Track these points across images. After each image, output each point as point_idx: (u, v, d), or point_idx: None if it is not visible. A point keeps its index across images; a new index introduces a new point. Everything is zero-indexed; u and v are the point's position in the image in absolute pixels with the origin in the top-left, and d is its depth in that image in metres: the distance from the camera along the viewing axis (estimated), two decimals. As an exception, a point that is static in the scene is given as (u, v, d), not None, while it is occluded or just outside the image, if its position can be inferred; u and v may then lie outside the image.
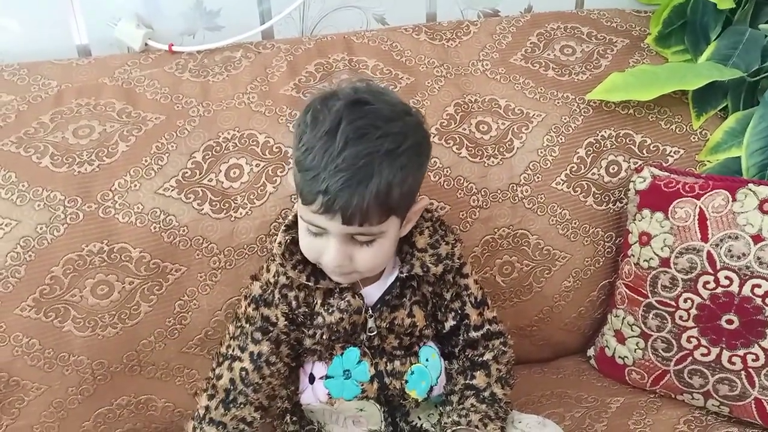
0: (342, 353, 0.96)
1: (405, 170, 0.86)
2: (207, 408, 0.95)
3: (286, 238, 0.96)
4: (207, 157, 1.10)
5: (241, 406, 0.94)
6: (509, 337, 1.04)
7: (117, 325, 1.04)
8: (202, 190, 1.08)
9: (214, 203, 1.08)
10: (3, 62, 1.17)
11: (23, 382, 1.02)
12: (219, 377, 0.95)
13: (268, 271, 0.98)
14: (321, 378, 0.97)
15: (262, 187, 1.10)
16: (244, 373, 0.94)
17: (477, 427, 0.93)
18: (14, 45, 1.19)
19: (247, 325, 0.96)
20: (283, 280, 0.96)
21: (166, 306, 1.06)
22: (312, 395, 0.97)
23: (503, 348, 1.02)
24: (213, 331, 1.08)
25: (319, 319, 0.94)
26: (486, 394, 0.97)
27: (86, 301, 1.02)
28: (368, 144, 0.84)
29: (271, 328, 0.95)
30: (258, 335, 0.95)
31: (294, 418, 0.99)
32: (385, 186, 0.84)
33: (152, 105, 1.12)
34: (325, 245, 0.89)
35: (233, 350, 0.96)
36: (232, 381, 0.94)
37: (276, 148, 1.12)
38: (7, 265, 0.99)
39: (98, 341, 1.04)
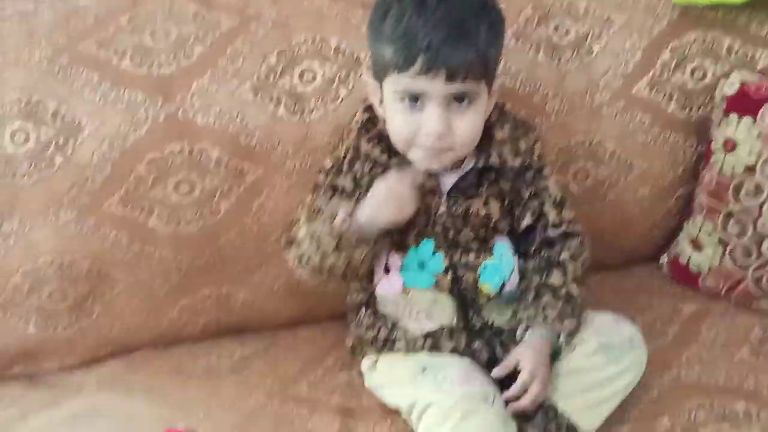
0: (417, 245, 0.97)
1: (496, 27, 0.92)
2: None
3: (365, 115, 0.99)
4: (280, 60, 1.09)
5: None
6: (586, 237, 1.04)
7: (199, 222, 1.07)
8: (276, 92, 1.09)
9: (288, 106, 1.09)
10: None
11: (113, 273, 1.07)
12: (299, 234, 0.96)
13: (341, 146, 1.00)
14: (396, 269, 0.98)
15: (335, 90, 1.10)
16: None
17: (553, 322, 0.94)
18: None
19: (320, 191, 0.98)
20: (353, 153, 0.97)
21: (244, 206, 1.09)
22: (387, 285, 0.99)
23: (580, 248, 1.02)
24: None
25: None
26: (562, 292, 0.97)
27: (169, 198, 1.06)
28: (460, 0, 0.88)
29: (340, 197, 0.96)
30: (330, 196, 0.96)
31: (368, 312, 1.01)
32: (483, 38, 0.88)
33: (226, 8, 1.11)
34: (423, 117, 0.90)
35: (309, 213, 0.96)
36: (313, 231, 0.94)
37: (348, 51, 1.11)
38: (93, 163, 1.03)
39: (182, 237, 1.07)
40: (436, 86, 0.88)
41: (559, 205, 1.02)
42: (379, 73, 0.93)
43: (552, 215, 1.02)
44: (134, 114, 1.04)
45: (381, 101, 0.95)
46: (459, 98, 0.90)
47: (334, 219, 0.91)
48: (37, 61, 1.05)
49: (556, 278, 0.99)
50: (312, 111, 1.09)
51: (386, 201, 0.90)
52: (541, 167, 1.02)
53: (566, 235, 1.02)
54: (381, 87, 0.94)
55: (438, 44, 0.85)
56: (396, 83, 0.90)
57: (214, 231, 1.08)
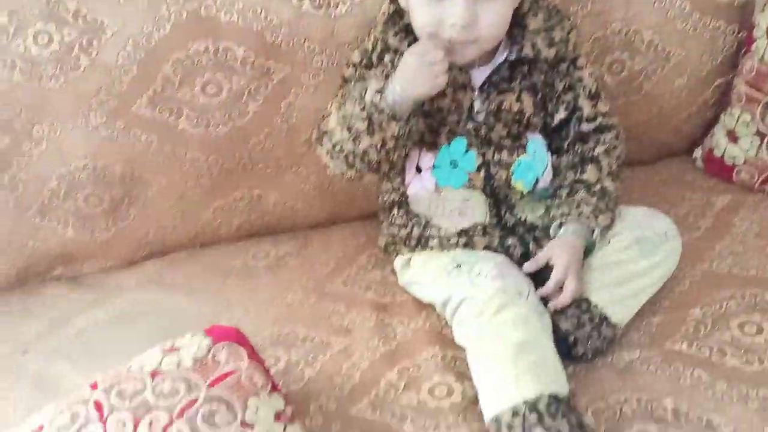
0: (449, 143, 0.96)
1: None
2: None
3: (391, 8, 0.96)
4: (305, -49, 1.05)
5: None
6: (621, 130, 1.02)
7: (228, 124, 1.06)
8: (302, -15, 1.05)
9: (313, 0, 1.04)
10: None
11: (146, 176, 1.08)
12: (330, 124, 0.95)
13: (367, 40, 0.98)
14: (428, 168, 0.98)
15: (362, -16, 1.06)
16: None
17: (588, 218, 0.94)
18: None
19: (350, 83, 0.96)
20: (381, 45, 0.96)
21: (272, 106, 1.07)
22: (419, 185, 0.99)
23: (615, 142, 1.00)
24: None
25: None
26: (597, 187, 0.97)
27: (197, 99, 1.04)
28: None
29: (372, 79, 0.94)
30: (360, 85, 0.94)
31: (401, 212, 1.02)
32: None
33: None
34: (449, 7, 0.88)
35: (339, 105, 0.95)
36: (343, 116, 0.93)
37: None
38: (119, 64, 1.01)
39: (211, 139, 1.07)
40: None
41: (594, 98, 1.00)
42: None
43: (587, 108, 1.00)
44: (156, 12, 1.01)
45: None
46: None
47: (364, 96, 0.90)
48: (54, -38, 1.01)
49: (590, 174, 0.98)
50: (338, 5, 1.05)
51: (418, 70, 0.88)
52: (576, 58, 0.99)
53: (601, 129, 1.00)
54: None
55: None
56: None
57: (244, 132, 1.08)
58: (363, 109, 0.89)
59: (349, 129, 0.91)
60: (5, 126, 1.02)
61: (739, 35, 1.16)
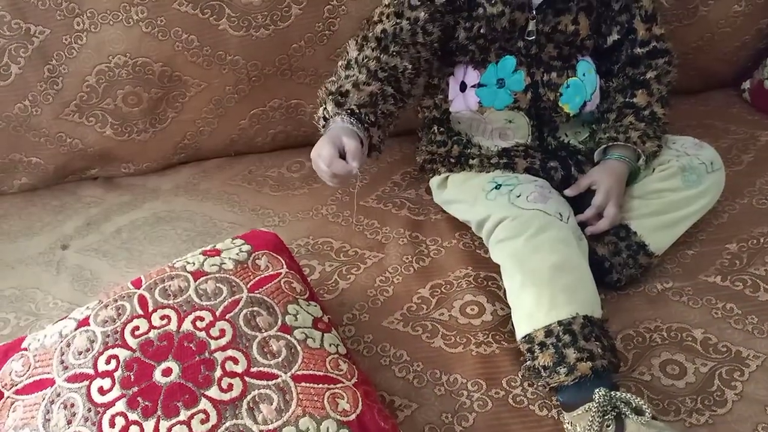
0: (497, 61, 0.94)
1: None
2: (354, 58, 0.90)
3: None
4: None
5: (393, 55, 0.89)
6: (675, 56, 0.99)
7: (269, 27, 1.04)
8: None
9: None
10: None
11: (185, 77, 1.06)
12: (371, 32, 0.91)
13: None
14: (473, 86, 0.95)
15: None
16: (398, 29, 0.90)
17: (635, 143, 0.92)
18: None
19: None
20: None
21: (315, 10, 1.04)
22: (462, 103, 0.97)
23: (667, 67, 0.97)
24: (361, 38, 1.07)
25: (480, 10, 0.90)
26: (646, 113, 0.94)
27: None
28: None
29: (429, 2, 0.91)
30: (415, 2, 0.91)
31: (441, 129, 1.00)
32: None
33: None
34: None
35: (387, 16, 0.91)
36: (384, 31, 0.90)
37: None
38: (161, -42, 0.98)
39: (252, 41, 1.04)
40: None
41: (650, 20, 0.97)
42: None
43: (641, 31, 0.96)
44: None
45: None
46: None
47: None
48: None
49: (640, 98, 0.95)
50: None
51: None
52: None
53: (653, 54, 0.97)
54: None
55: None
56: None
57: (285, 37, 1.05)
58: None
59: (386, 47, 0.89)
60: (45, 17, 1.00)
61: (806, -40, 1.11)
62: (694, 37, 1.16)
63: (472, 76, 0.96)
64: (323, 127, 0.86)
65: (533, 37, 0.92)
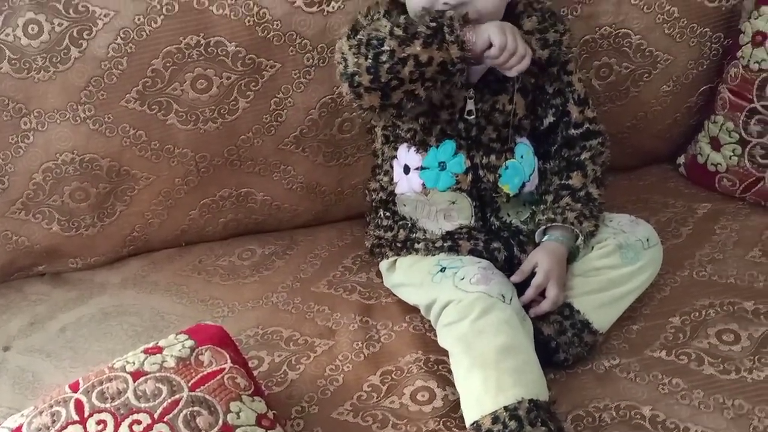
0: (438, 145, 0.97)
1: None
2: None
3: None
4: (298, -54, 1.04)
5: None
6: (607, 137, 1.03)
7: (217, 120, 1.06)
8: (294, -19, 1.04)
9: (306, -4, 1.04)
10: None
11: (133, 171, 1.07)
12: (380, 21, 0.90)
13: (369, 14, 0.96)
14: (416, 169, 0.98)
15: (354, -19, 1.05)
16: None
17: (572, 224, 0.95)
18: None
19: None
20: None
21: (262, 102, 1.07)
22: (407, 185, 1.00)
23: (601, 148, 1.02)
24: (307, 128, 1.09)
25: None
26: (581, 193, 0.98)
27: (187, 94, 1.04)
28: None
29: None
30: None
31: (387, 213, 1.02)
32: None
33: None
34: None
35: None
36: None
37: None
38: (109, 56, 1.00)
39: (200, 135, 1.06)
40: None
41: (582, 104, 1.01)
42: None
43: (574, 113, 1.01)
44: (148, 4, 1.00)
45: None
46: None
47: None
48: (44, -53, 1.00)
49: (576, 179, 0.99)
50: (330, 2, 1.05)
51: (512, 33, 0.87)
52: (566, 62, 1.00)
53: (587, 135, 1.01)
54: None
55: None
56: None
57: (233, 129, 1.07)
58: (434, 20, 0.85)
59: (407, 28, 0.85)
60: (-9, 117, 1.01)
61: (725, 42, 1.17)
62: (628, 117, 1.21)
63: (414, 159, 0.99)
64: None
65: (473, 116, 0.96)
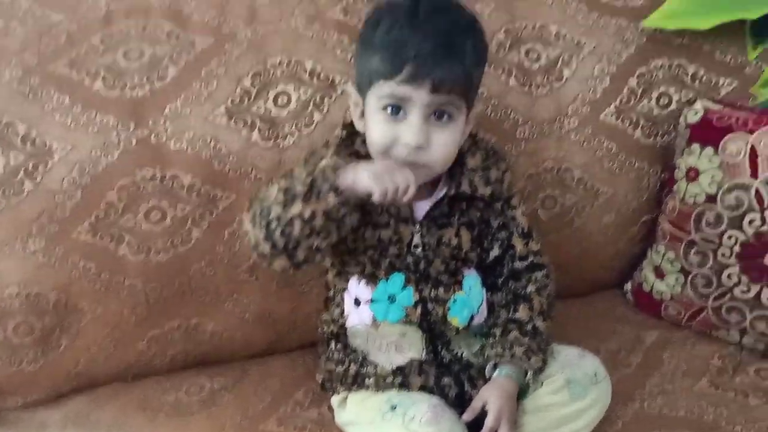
0: (387, 278, 0.98)
1: (481, 49, 0.95)
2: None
3: (344, 132, 1.00)
4: (255, 83, 1.08)
5: None
6: (552, 269, 1.06)
7: (170, 251, 1.06)
8: (251, 117, 1.07)
9: (262, 131, 1.07)
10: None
11: (81, 304, 1.05)
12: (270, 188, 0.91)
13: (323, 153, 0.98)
14: (366, 302, 0.99)
15: (309, 115, 1.09)
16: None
17: (521, 359, 0.96)
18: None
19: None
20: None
21: (216, 233, 1.07)
22: (357, 317, 1.00)
23: (546, 281, 1.04)
24: (261, 259, 1.10)
25: (367, 217, 0.95)
26: (529, 327, 0.99)
27: (140, 226, 1.04)
28: (450, 16, 0.92)
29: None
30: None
31: (338, 346, 1.02)
32: (469, 57, 0.91)
33: (200, 27, 1.09)
34: (403, 127, 0.91)
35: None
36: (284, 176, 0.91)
37: (324, 75, 1.10)
38: (63, 189, 1.00)
39: (152, 266, 1.06)
40: (420, 95, 0.89)
41: (526, 237, 1.04)
42: (364, 84, 0.94)
43: (519, 247, 1.03)
44: (106, 138, 1.02)
45: (362, 114, 0.96)
46: (439, 115, 0.92)
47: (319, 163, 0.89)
48: (6, 81, 1.02)
49: (522, 312, 1.00)
50: (286, 137, 1.08)
51: (389, 168, 0.87)
52: (510, 197, 1.04)
53: (532, 267, 1.04)
54: (364, 100, 0.95)
55: (426, 54, 0.88)
56: (381, 90, 0.91)
57: (185, 260, 1.07)
58: (310, 173, 0.87)
59: (286, 191, 0.87)
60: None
61: (662, 176, 1.24)
62: (574, 246, 1.25)
63: (364, 291, 1.00)
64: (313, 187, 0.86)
65: (419, 250, 0.98)
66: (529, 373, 0.96)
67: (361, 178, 0.86)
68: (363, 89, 0.95)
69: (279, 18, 1.12)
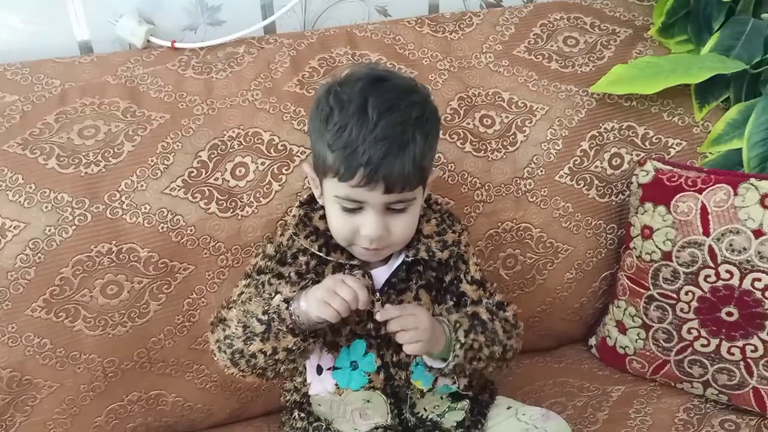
0: (349, 345, 0.98)
1: (432, 135, 0.94)
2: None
3: (300, 212, 1.01)
4: (212, 155, 1.10)
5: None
6: (516, 309, 1.05)
7: (127, 324, 1.05)
8: (208, 189, 1.09)
9: (220, 202, 1.09)
10: (5, 61, 1.16)
11: (36, 380, 1.04)
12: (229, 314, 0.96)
13: (282, 235, 1.01)
14: (328, 369, 0.99)
15: (267, 186, 1.11)
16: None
17: (455, 323, 0.96)
18: (16, 41, 1.19)
19: (262, 275, 0.98)
20: (297, 245, 0.98)
21: (175, 304, 1.07)
22: (320, 386, 0.99)
23: (512, 321, 1.03)
24: (221, 327, 1.10)
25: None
26: (483, 317, 0.99)
27: (96, 301, 1.04)
28: (399, 113, 0.90)
29: (285, 283, 0.96)
30: (274, 280, 0.97)
31: (302, 414, 1.01)
32: (419, 150, 0.90)
33: (156, 104, 1.12)
34: (362, 220, 0.92)
35: (247, 295, 0.97)
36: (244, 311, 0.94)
37: (281, 146, 1.13)
38: (17, 267, 1.00)
39: (109, 340, 1.05)
40: (374, 196, 0.90)
41: (476, 284, 1.04)
42: (320, 171, 0.95)
43: (470, 293, 1.03)
44: (60, 215, 1.03)
45: (321, 194, 0.97)
46: (398, 204, 0.93)
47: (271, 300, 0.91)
48: (-41, 161, 1.03)
49: (483, 315, 1.00)
50: (244, 207, 1.10)
51: (325, 296, 0.89)
52: (463, 254, 1.04)
53: (490, 309, 1.02)
54: (321, 183, 0.96)
55: (377, 159, 0.87)
56: (336, 189, 0.92)
57: (144, 332, 1.07)
58: (265, 312, 0.91)
59: (245, 327, 0.91)
60: None
61: (619, 232, 1.26)
62: (538, 302, 1.26)
63: (326, 359, 0.99)
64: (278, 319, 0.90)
65: (380, 318, 0.98)
66: (454, 343, 0.94)
67: (312, 309, 0.90)
68: (320, 174, 0.95)
69: (235, 93, 1.15)
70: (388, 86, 0.92)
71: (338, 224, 0.94)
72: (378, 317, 0.93)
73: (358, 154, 0.88)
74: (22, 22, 1.19)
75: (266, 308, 0.91)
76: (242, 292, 0.98)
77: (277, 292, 0.94)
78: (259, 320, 0.90)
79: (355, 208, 0.92)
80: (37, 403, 1.05)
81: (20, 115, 1.08)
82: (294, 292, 0.92)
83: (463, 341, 0.94)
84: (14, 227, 1.01)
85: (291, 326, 0.90)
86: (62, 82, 1.12)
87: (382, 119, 0.88)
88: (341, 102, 0.90)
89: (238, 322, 0.92)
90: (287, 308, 0.90)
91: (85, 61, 1.17)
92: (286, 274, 0.97)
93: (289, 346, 0.90)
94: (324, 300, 0.88)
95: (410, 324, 0.91)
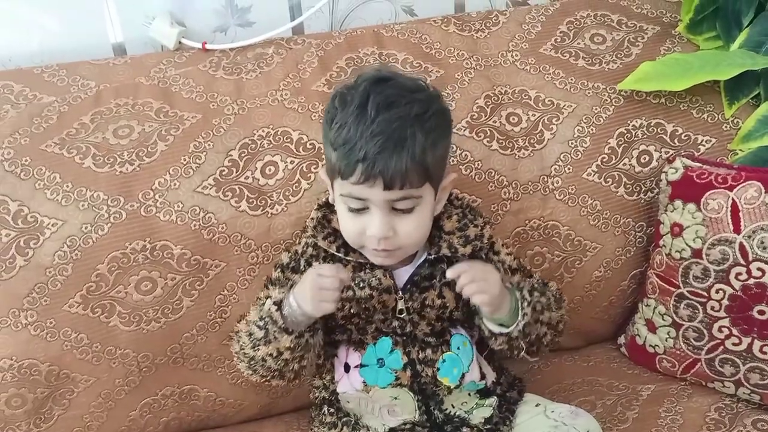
0: (375, 342, 0.99)
1: (434, 133, 0.92)
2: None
3: (319, 214, 1.02)
4: (243, 155, 1.12)
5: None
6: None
7: (160, 320, 1.07)
8: (239, 187, 1.11)
9: (251, 200, 1.11)
10: (42, 62, 1.19)
11: (73, 374, 1.06)
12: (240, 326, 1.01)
13: (298, 243, 1.03)
14: (356, 367, 1.00)
15: (296, 184, 1.12)
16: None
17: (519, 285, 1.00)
18: (52, 43, 1.22)
19: (275, 287, 0.99)
20: (311, 251, 1.00)
21: (207, 300, 1.09)
22: (348, 383, 1.00)
23: (557, 294, 1.06)
24: (252, 323, 1.11)
25: (349, 293, 0.97)
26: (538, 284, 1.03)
27: (131, 297, 1.06)
28: (398, 110, 0.90)
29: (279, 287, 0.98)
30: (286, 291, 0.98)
31: (331, 410, 1.02)
32: (419, 146, 0.89)
33: (188, 104, 1.14)
34: (368, 220, 0.93)
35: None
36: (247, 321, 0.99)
37: (309, 144, 1.14)
38: (55, 263, 1.03)
39: (143, 335, 1.07)
40: (375, 193, 0.90)
41: (516, 272, 1.05)
42: (330, 174, 0.97)
43: (515, 279, 1.03)
44: (96, 213, 1.05)
45: (333, 196, 0.98)
46: (401, 202, 0.92)
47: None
48: (-1, 161, 1.06)
49: (536, 284, 1.04)
50: (274, 205, 1.11)
51: (310, 289, 0.91)
52: (492, 245, 1.04)
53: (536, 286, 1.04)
54: (332, 185, 0.97)
55: (374, 155, 0.88)
56: (341, 187, 0.93)
57: (176, 328, 1.09)
58: (261, 318, 0.94)
59: (250, 335, 0.96)
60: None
61: (648, 230, 1.25)
62: (567, 300, 1.25)
63: (354, 357, 1.00)
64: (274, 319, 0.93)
65: (404, 315, 0.99)
66: (517, 294, 0.97)
67: (308, 310, 0.92)
68: (330, 176, 0.97)
69: (265, 93, 1.17)
70: (390, 84, 0.93)
71: (347, 225, 0.95)
72: (449, 274, 0.94)
73: (355, 150, 0.88)
74: (58, 25, 1.22)
75: (261, 314, 0.95)
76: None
77: (267, 297, 0.97)
78: (258, 326, 0.95)
79: (360, 207, 0.92)
80: (74, 396, 1.07)
81: (57, 115, 1.11)
82: (282, 293, 0.95)
83: (529, 299, 0.96)
84: (52, 225, 1.04)
85: (283, 326, 0.92)
86: (97, 84, 1.15)
87: (380, 115, 0.89)
88: (344, 101, 0.92)
89: (245, 332, 0.97)
90: (278, 310, 0.93)
91: (119, 62, 1.20)
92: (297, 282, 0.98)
93: (289, 345, 0.93)
94: (317, 299, 0.91)
95: (479, 276, 0.92)
